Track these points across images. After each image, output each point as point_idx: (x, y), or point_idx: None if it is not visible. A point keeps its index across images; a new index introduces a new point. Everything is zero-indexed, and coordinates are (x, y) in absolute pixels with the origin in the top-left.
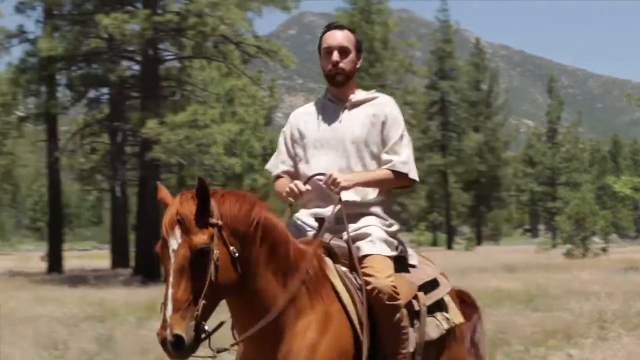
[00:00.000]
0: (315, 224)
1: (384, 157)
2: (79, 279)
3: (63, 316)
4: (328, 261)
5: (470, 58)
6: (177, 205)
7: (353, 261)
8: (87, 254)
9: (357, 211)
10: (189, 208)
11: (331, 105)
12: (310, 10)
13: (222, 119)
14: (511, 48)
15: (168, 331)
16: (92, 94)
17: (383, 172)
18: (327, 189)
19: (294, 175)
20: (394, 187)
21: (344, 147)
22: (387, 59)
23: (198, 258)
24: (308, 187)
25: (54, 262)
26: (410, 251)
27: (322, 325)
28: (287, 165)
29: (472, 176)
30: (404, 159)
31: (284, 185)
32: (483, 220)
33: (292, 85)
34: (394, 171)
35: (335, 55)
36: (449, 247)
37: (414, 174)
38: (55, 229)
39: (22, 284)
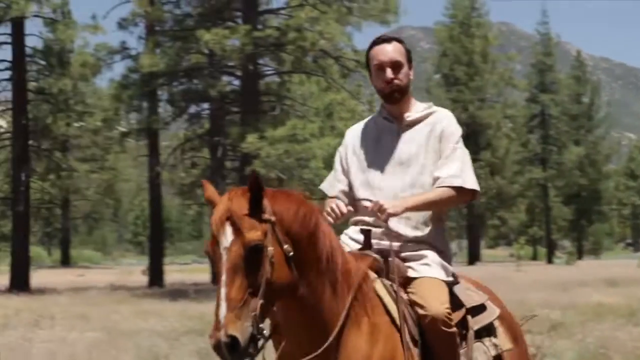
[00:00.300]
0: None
1: (435, 174)
2: (179, 293)
3: (164, 330)
4: (373, 275)
5: (571, 71)
6: (227, 202)
7: (402, 280)
8: (188, 268)
9: (411, 242)
10: (240, 204)
11: (387, 124)
12: (409, 24)
13: (321, 133)
14: (612, 61)
15: (222, 332)
16: (192, 109)
17: (436, 192)
18: (374, 216)
19: (350, 195)
20: (453, 204)
21: (399, 168)
22: (487, 72)
23: (252, 255)
24: (350, 208)
25: (155, 276)
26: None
27: (373, 336)
28: (343, 185)
29: (573, 190)
30: (454, 171)
31: (327, 204)
32: (584, 234)
33: None
34: (448, 187)
35: (389, 72)
36: (550, 261)
37: (470, 184)
38: (156, 243)
39: (124, 297)
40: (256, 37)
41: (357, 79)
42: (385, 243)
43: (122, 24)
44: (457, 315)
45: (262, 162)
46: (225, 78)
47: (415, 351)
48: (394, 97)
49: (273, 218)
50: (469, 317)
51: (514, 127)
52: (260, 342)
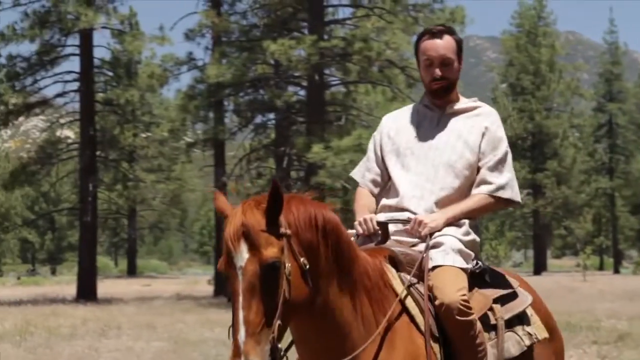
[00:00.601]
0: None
1: (482, 175)
2: None
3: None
4: (392, 270)
5: (638, 80)
6: (241, 215)
7: (422, 273)
8: None
9: None
10: (255, 218)
11: (428, 113)
12: (476, 34)
13: None
14: None
15: (243, 359)
16: (258, 119)
17: (478, 200)
18: (414, 234)
19: (380, 184)
20: (491, 212)
21: (436, 160)
22: (554, 81)
23: (269, 274)
24: (378, 229)
25: (221, 285)
26: (487, 266)
27: (390, 340)
28: (373, 174)
29: None
30: (505, 181)
31: (360, 209)
32: None
33: None
34: (492, 196)
35: (438, 71)
36: (616, 271)
37: (518, 197)
38: (221, 253)
39: (190, 307)
40: (322, 47)
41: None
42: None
43: (189, 35)
44: (480, 304)
45: (327, 172)
46: (291, 88)
47: (436, 347)
48: (441, 93)
49: (289, 231)
50: (496, 306)
51: (580, 137)
52: None
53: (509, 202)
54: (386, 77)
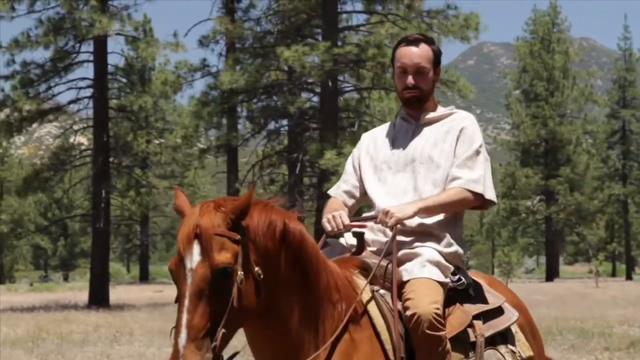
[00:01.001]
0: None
1: (453, 171)
2: None
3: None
4: (361, 282)
5: None
6: (197, 216)
7: (393, 285)
8: None
9: (414, 232)
10: (211, 220)
11: (404, 125)
12: (490, 40)
13: None
14: None
15: None
16: (271, 125)
17: (450, 194)
18: (382, 224)
19: (356, 197)
20: (465, 207)
21: (412, 167)
22: (567, 88)
23: (219, 279)
24: (349, 222)
25: None
26: (472, 280)
27: (348, 354)
28: (349, 186)
29: None
30: (476, 176)
31: (329, 209)
32: None
33: None
34: (465, 189)
35: (410, 79)
36: (629, 277)
37: (490, 195)
38: None
39: None
40: (336, 53)
41: (436, 95)
42: (382, 239)
43: (203, 42)
44: (460, 320)
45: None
46: (304, 94)
47: None
48: (413, 102)
49: (246, 238)
50: (477, 323)
51: (594, 143)
52: None
53: (484, 200)
54: None
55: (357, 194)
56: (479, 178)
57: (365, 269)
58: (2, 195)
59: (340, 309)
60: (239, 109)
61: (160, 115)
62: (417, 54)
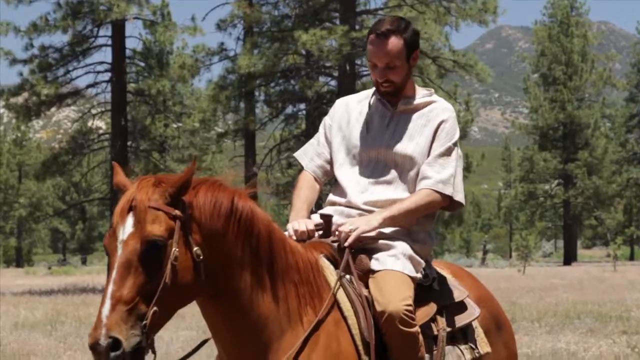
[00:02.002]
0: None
1: (423, 169)
2: None
3: None
4: (328, 265)
5: None
6: (134, 190)
7: (350, 268)
8: None
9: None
10: (147, 194)
11: (379, 107)
12: (508, 24)
13: None
14: None
15: (102, 332)
16: (289, 109)
17: (416, 199)
18: (343, 240)
19: (329, 173)
20: (433, 210)
21: (385, 162)
22: (586, 71)
23: (149, 253)
24: (316, 226)
25: None
26: (436, 273)
27: (314, 337)
28: (323, 160)
29: None
30: (446, 176)
31: (299, 204)
32: None
33: (488, 99)
34: (433, 191)
35: (380, 75)
36: None
37: (460, 197)
38: None
39: None
40: (354, 37)
41: (454, 79)
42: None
43: (221, 26)
44: (423, 313)
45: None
46: (322, 79)
47: (367, 357)
48: (388, 95)
49: (184, 215)
50: (439, 318)
51: (612, 127)
52: (146, 356)
53: (452, 201)
54: (417, 68)
55: (329, 169)
56: (449, 178)
57: (332, 254)
58: (21, 179)
59: (303, 292)
60: (256, 93)
61: (178, 99)
62: (385, 51)
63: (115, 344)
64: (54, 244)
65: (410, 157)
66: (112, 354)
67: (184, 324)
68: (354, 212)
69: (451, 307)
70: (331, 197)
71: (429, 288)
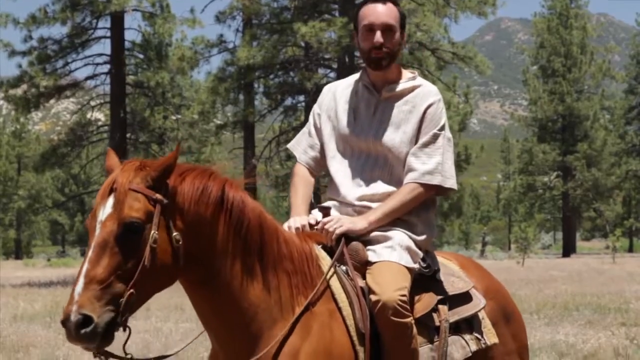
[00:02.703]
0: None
1: (409, 160)
2: None
3: None
4: (325, 256)
5: None
6: (117, 173)
7: (345, 259)
8: None
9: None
10: (129, 177)
11: (365, 95)
12: (507, 15)
13: None
14: None
15: (74, 308)
16: (288, 101)
17: (402, 197)
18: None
19: (321, 163)
20: (422, 200)
21: (375, 153)
22: (585, 63)
23: (126, 234)
24: (315, 219)
25: None
26: (440, 263)
27: (306, 325)
28: (317, 151)
29: None
30: (432, 166)
31: (299, 201)
32: None
33: (487, 92)
34: (419, 184)
35: (379, 36)
36: None
37: (450, 183)
38: None
39: None
40: (353, 29)
41: (453, 71)
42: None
43: (220, 18)
44: (424, 304)
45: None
46: (321, 71)
47: (361, 347)
48: (381, 63)
49: (166, 200)
50: (442, 307)
51: (611, 119)
52: (118, 332)
53: (441, 188)
54: (417, 59)
55: (322, 160)
56: (436, 167)
57: (330, 245)
58: (20, 171)
59: (296, 281)
60: (255, 85)
61: (177, 91)
62: (385, 12)
63: (86, 320)
64: (53, 236)
65: (399, 146)
66: (82, 330)
67: (184, 315)
68: (349, 209)
69: (455, 298)
70: (328, 194)
71: (432, 278)
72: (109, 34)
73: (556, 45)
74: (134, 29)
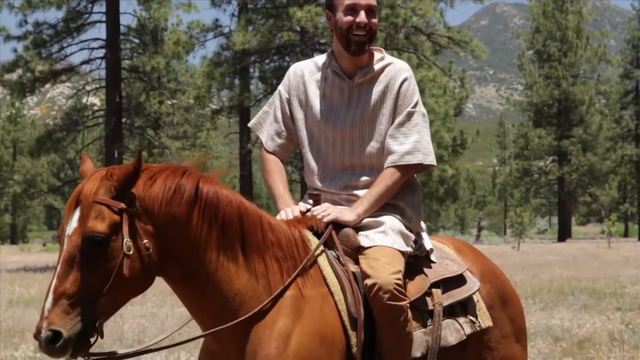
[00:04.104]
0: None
1: (387, 143)
2: None
3: None
4: (314, 240)
5: None
6: (84, 183)
7: (336, 244)
8: None
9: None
10: (94, 187)
11: (336, 81)
12: (503, 0)
13: None
14: None
15: (44, 324)
16: None
17: (386, 179)
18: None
19: (291, 150)
20: (406, 180)
21: (353, 140)
22: (581, 48)
23: (90, 248)
24: (306, 208)
25: None
26: (432, 245)
27: (297, 308)
28: (284, 139)
29: None
30: (410, 146)
31: (281, 185)
32: None
33: (482, 76)
34: (399, 166)
35: (363, 16)
36: None
37: (430, 160)
38: None
39: None
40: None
41: (449, 55)
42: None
43: (215, 2)
44: (417, 287)
45: None
46: (316, 55)
47: (353, 332)
48: (363, 48)
49: (133, 208)
50: (436, 291)
51: (607, 103)
52: (92, 340)
53: (422, 166)
54: (412, 44)
55: (290, 147)
56: (414, 146)
57: (319, 231)
58: (15, 156)
59: (287, 267)
60: (251, 70)
61: (173, 76)
62: None
63: (56, 335)
64: (49, 221)
65: (378, 130)
66: (52, 345)
67: (179, 301)
68: (335, 197)
69: (449, 281)
70: (308, 183)
71: (425, 259)
72: (104, 18)
73: (552, 29)
74: (129, 14)
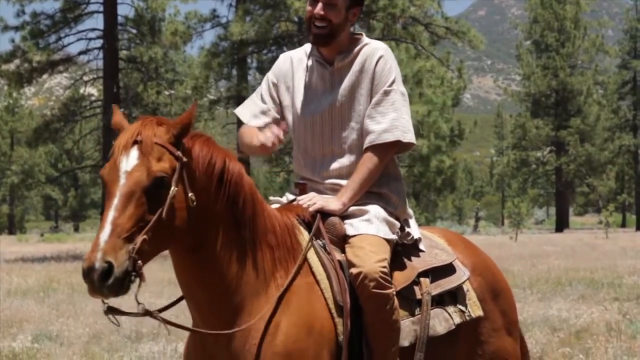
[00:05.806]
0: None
1: (366, 123)
2: None
3: None
4: (304, 231)
5: None
6: (139, 126)
7: (322, 233)
8: None
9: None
10: (154, 131)
11: (318, 69)
12: None
13: (409, 100)
14: None
15: (99, 255)
16: None
17: (366, 167)
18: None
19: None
20: (388, 160)
21: (336, 125)
22: (578, 38)
23: (154, 188)
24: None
25: None
26: (420, 234)
27: (285, 299)
28: (269, 117)
29: None
30: (387, 125)
31: (253, 135)
32: None
33: (480, 67)
34: (378, 147)
35: (319, 8)
36: (639, 228)
37: (409, 137)
38: None
39: None
40: None
41: (447, 46)
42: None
43: None
44: (404, 276)
45: None
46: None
47: (340, 319)
48: (320, 41)
49: (185, 159)
50: (424, 280)
51: (604, 94)
52: (132, 281)
53: (402, 145)
54: (410, 35)
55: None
56: (392, 124)
57: (307, 218)
58: (13, 146)
59: (279, 255)
60: (249, 60)
61: (170, 67)
62: None
63: (109, 268)
64: (47, 211)
65: (357, 111)
66: (104, 279)
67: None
68: (320, 187)
69: (438, 270)
70: (295, 170)
71: (414, 249)
72: (101, 8)
73: (549, 20)
74: (126, 4)
